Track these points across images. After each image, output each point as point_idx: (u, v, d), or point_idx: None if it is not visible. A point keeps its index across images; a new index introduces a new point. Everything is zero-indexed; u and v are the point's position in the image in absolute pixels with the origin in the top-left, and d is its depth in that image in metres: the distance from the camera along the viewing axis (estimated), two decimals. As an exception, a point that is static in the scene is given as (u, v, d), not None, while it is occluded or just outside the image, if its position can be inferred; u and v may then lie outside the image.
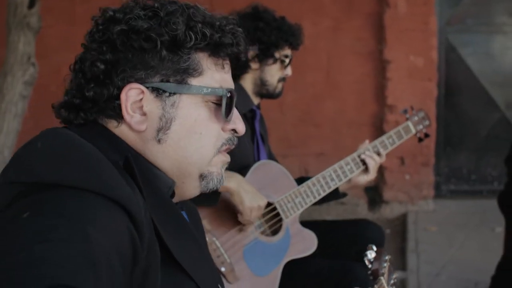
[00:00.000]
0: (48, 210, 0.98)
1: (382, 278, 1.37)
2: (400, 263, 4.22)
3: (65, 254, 0.92)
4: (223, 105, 1.22)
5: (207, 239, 2.29)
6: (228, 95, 1.23)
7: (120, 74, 1.18)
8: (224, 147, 1.26)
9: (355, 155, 2.64)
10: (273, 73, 2.67)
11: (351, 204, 5.15)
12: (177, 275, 1.15)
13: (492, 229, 4.59)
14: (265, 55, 2.63)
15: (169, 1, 1.22)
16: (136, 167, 1.14)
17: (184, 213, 1.32)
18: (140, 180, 1.13)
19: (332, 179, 2.59)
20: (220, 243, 2.40)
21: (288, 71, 2.71)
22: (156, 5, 1.20)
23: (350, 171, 2.62)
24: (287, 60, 2.68)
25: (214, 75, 1.23)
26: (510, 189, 2.97)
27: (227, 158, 1.28)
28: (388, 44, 5.01)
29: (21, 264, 0.90)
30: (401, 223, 5.01)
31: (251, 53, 2.62)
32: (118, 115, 1.19)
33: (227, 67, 1.27)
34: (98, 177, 1.04)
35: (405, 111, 2.81)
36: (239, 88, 2.64)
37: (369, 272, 1.40)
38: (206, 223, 2.36)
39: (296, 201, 2.54)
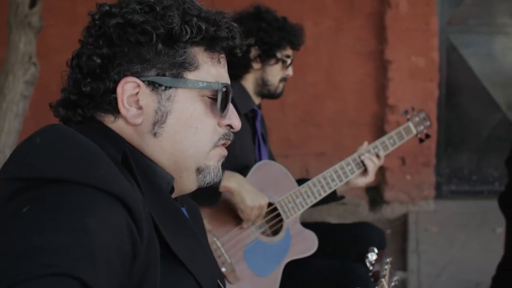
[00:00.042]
0: (49, 204, 0.99)
1: (383, 280, 1.37)
2: (401, 263, 4.22)
3: (65, 245, 0.92)
4: (218, 99, 1.23)
5: (208, 239, 2.30)
6: (224, 90, 1.23)
7: (116, 67, 1.18)
8: (221, 142, 1.27)
9: (355, 155, 2.64)
10: (275, 73, 2.67)
11: (352, 204, 5.15)
12: (176, 270, 1.15)
13: (493, 230, 4.59)
14: (267, 55, 2.63)
15: None
16: (134, 163, 1.14)
17: (184, 210, 1.32)
18: (138, 175, 1.14)
19: (333, 180, 2.59)
20: (221, 243, 2.40)
21: (289, 71, 2.71)
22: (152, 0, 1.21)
23: (351, 171, 2.62)
24: (288, 60, 2.68)
25: (210, 70, 1.24)
26: (511, 190, 2.97)
27: (224, 152, 1.29)
28: (389, 44, 5.01)
29: (21, 254, 0.90)
30: (402, 223, 5.01)
31: (253, 53, 2.62)
32: (115, 109, 1.20)
33: (223, 62, 1.27)
34: (98, 172, 1.05)
35: (406, 112, 2.81)
36: (240, 88, 2.64)
37: (370, 274, 1.40)
38: (207, 223, 2.36)
39: (296, 202, 2.54)
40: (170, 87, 1.20)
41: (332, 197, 2.67)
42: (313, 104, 5.16)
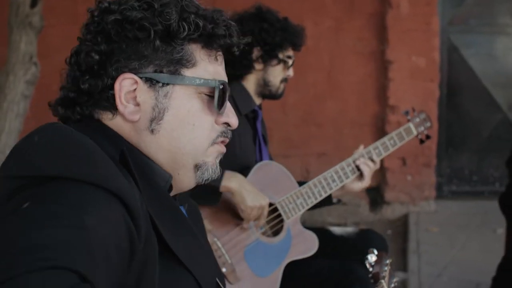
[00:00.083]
0: (48, 201, 1.00)
1: (383, 281, 1.37)
2: (401, 264, 4.22)
3: (64, 241, 0.93)
4: (215, 96, 1.23)
5: (208, 239, 2.30)
6: (221, 87, 1.24)
7: (114, 64, 1.19)
8: (220, 139, 1.27)
9: (356, 155, 2.63)
10: (276, 74, 2.67)
11: (352, 204, 5.14)
12: (175, 268, 1.15)
13: (493, 230, 4.58)
14: (269, 56, 2.64)
15: None
16: (132, 161, 1.15)
17: (183, 209, 1.32)
18: (136, 173, 1.14)
19: (334, 180, 2.59)
20: (222, 243, 2.40)
21: (290, 72, 2.71)
22: None
23: (352, 172, 2.62)
24: (290, 61, 2.69)
25: (207, 67, 1.24)
26: (511, 190, 2.97)
27: (223, 149, 1.29)
28: (390, 45, 5.00)
29: (21, 250, 0.91)
30: (403, 224, 5.01)
31: (255, 54, 2.62)
32: (113, 106, 1.21)
33: (220, 59, 1.28)
34: (96, 170, 1.05)
35: (407, 113, 2.81)
36: (241, 88, 2.65)
37: (370, 275, 1.40)
38: (207, 223, 2.36)
39: (297, 202, 2.54)
40: (167, 84, 1.21)
41: (328, 201, 2.67)
42: (314, 104, 5.16)
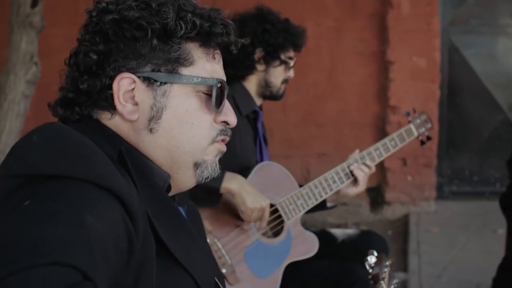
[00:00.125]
0: (48, 199, 1.00)
1: (382, 282, 1.37)
2: (402, 264, 4.22)
3: (65, 238, 0.93)
4: (213, 95, 1.23)
5: (208, 240, 2.30)
6: (219, 85, 1.24)
7: (112, 63, 1.19)
8: (219, 138, 1.27)
9: (357, 157, 2.63)
10: (278, 75, 2.68)
11: (353, 205, 5.14)
12: (172, 267, 1.15)
13: (494, 231, 4.58)
14: (272, 57, 2.64)
15: None
16: (130, 160, 1.15)
17: (182, 209, 1.32)
18: (134, 173, 1.14)
19: (334, 181, 2.59)
20: (222, 244, 2.40)
21: (291, 73, 2.71)
22: None
23: (347, 177, 2.61)
24: (291, 62, 2.69)
25: (205, 66, 1.24)
26: (512, 191, 2.97)
27: (223, 148, 1.29)
28: (391, 45, 5.00)
29: (21, 246, 0.91)
30: (403, 224, 5.01)
31: (257, 55, 2.63)
32: (111, 106, 1.21)
33: (218, 58, 1.28)
34: (96, 169, 1.06)
35: (408, 114, 2.81)
36: (242, 89, 2.65)
37: (370, 276, 1.40)
38: (207, 224, 2.36)
39: (298, 203, 2.54)
40: (165, 83, 1.21)
41: (322, 206, 2.66)
42: (315, 104, 5.16)
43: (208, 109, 1.24)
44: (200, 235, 1.36)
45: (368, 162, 2.60)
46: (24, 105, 3.35)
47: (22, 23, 3.29)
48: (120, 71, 1.20)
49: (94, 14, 1.23)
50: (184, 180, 1.27)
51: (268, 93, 2.70)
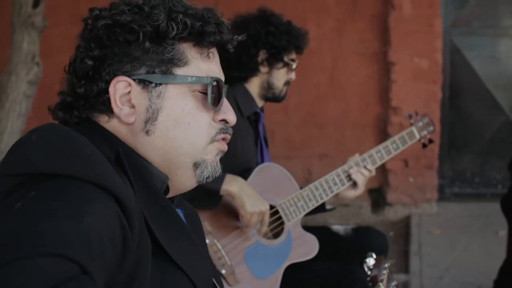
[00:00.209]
0: (48, 197, 1.01)
1: (380, 284, 1.37)
2: (403, 265, 4.22)
3: (64, 232, 0.94)
4: (208, 93, 1.23)
5: (208, 241, 2.30)
6: (214, 83, 1.24)
7: (108, 68, 1.21)
8: (219, 136, 1.27)
9: (358, 159, 2.63)
10: (280, 77, 2.68)
11: (354, 206, 5.14)
12: (168, 268, 1.15)
13: (495, 233, 4.58)
14: (275, 59, 2.64)
15: None
16: (127, 161, 1.16)
17: (180, 211, 1.32)
18: (131, 174, 1.15)
19: (335, 183, 2.59)
20: (221, 245, 2.40)
21: (293, 75, 2.72)
22: (140, 1, 1.24)
23: (347, 179, 2.61)
24: (294, 64, 2.69)
25: (200, 65, 1.25)
26: (513, 193, 2.96)
27: (224, 147, 1.29)
28: (392, 46, 5.00)
29: (20, 239, 0.91)
30: (405, 225, 5.01)
31: (261, 57, 2.63)
32: (108, 109, 1.22)
33: (214, 57, 1.28)
34: (95, 169, 1.06)
35: (410, 116, 2.80)
36: (244, 91, 2.65)
37: (368, 278, 1.40)
38: (207, 225, 2.36)
39: (298, 205, 2.54)
40: (160, 84, 1.21)
41: (321, 209, 2.66)
42: (316, 105, 5.15)
43: (205, 108, 1.24)
44: (199, 237, 1.36)
45: (369, 166, 2.60)
46: (25, 105, 3.36)
47: (24, 23, 3.29)
48: (116, 75, 1.21)
49: (89, 21, 1.24)
50: (183, 181, 1.26)
51: (270, 95, 2.70)
